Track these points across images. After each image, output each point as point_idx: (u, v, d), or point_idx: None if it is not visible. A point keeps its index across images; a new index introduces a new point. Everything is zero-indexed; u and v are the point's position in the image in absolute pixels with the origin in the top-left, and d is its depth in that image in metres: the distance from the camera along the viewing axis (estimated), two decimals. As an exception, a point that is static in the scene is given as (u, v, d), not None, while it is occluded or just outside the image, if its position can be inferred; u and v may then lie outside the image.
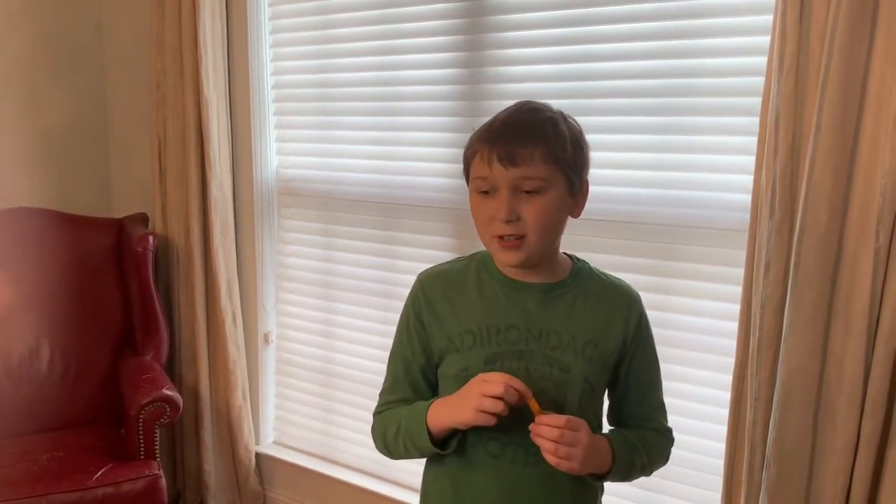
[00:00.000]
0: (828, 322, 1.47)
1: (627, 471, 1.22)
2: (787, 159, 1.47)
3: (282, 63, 2.46)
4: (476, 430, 1.14)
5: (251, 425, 2.60)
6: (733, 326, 1.63)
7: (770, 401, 1.54)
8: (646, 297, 1.82)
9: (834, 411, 1.47)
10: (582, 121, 1.86)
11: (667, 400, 1.83)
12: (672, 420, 1.84)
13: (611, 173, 1.86)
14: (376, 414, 1.31)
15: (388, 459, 2.43)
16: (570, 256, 1.27)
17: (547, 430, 1.09)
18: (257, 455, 2.64)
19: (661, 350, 1.84)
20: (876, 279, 1.40)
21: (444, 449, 1.19)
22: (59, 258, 2.53)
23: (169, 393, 2.21)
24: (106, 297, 2.57)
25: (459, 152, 2.08)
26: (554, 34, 1.90)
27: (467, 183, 1.20)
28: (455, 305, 1.22)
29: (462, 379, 1.17)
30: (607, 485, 1.99)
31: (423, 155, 2.19)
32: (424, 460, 1.32)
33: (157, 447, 2.21)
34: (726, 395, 1.66)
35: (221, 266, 2.48)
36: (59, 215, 2.61)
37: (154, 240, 2.50)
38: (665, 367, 1.83)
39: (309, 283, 2.52)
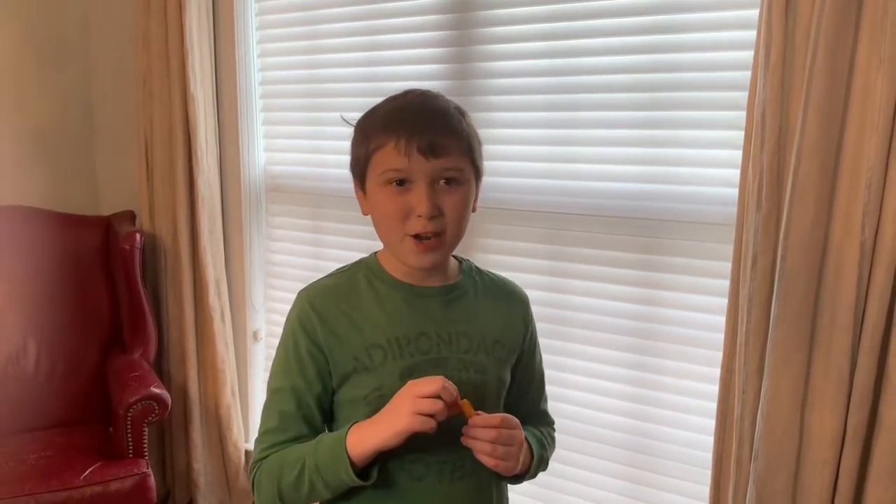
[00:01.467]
0: (815, 315, 1.47)
1: (540, 467, 1.19)
2: (774, 153, 1.47)
3: (269, 59, 2.45)
4: (395, 454, 1.05)
5: (240, 423, 2.59)
6: (721, 320, 1.64)
7: (758, 393, 1.55)
8: (633, 292, 1.86)
9: (821, 404, 1.48)
10: (568, 116, 1.90)
11: (653, 393, 1.87)
12: (660, 413, 1.87)
13: (598, 168, 1.87)
14: (259, 461, 1.13)
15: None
16: (454, 256, 1.20)
17: (482, 431, 1.03)
18: (247, 453, 2.64)
19: (648, 344, 1.86)
20: (862, 272, 1.41)
21: (366, 480, 1.05)
22: (45, 256, 2.51)
23: (157, 391, 2.20)
24: (93, 295, 2.56)
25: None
26: (539, 29, 1.90)
27: (359, 179, 1.12)
28: (354, 321, 1.11)
29: (375, 400, 1.07)
30: (601, 479, 2.01)
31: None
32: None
33: (145, 446, 2.20)
34: (714, 389, 1.67)
35: (209, 263, 2.47)
36: (46, 213, 2.60)
37: (141, 237, 2.49)
38: (653, 361, 1.87)
39: (297, 280, 2.51)
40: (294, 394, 1.11)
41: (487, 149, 2.01)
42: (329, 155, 2.37)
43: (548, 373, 1.99)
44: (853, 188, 1.41)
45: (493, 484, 1.16)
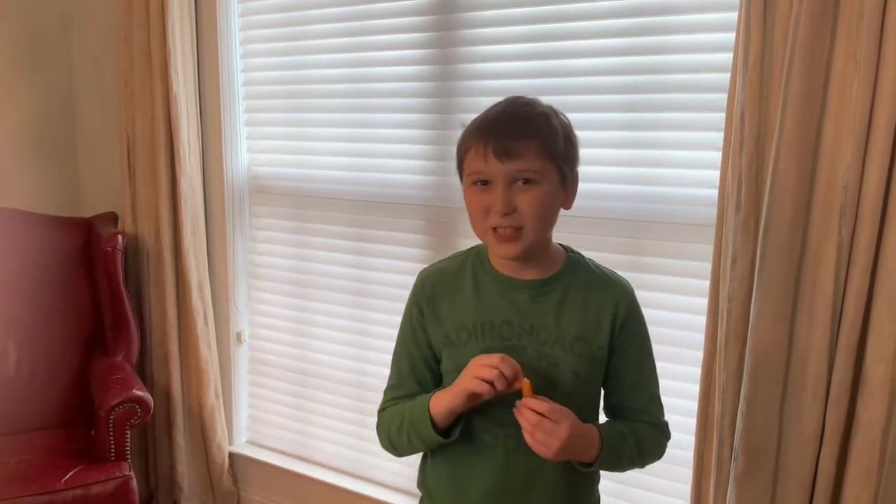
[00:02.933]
0: (793, 315, 1.49)
1: (615, 461, 1.23)
2: (753, 154, 1.49)
3: (252, 60, 2.44)
4: (473, 422, 1.21)
5: (224, 425, 2.59)
6: (701, 320, 1.65)
7: (738, 393, 1.56)
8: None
9: (800, 402, 1.50)
10: None
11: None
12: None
13: (580, 169, 1.86)
14: (381, 411, 1.32)
15: (361, 457, 2.44)
16: (565, 248, 1.29)
17: (529, 414, 1.12)
18: (231, 455, 2.63)
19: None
20: (839, 272, 1.42)
21: (448, 437, 1.21)
22: (27, 258, 2.49)
23: (139, 393, 2.18)
24: (75, 297, 2.54)
25: (431, 149, 2.12)
26: (523, 31, 1.91)
27: (461, 178, 1.22)
28: (452, 302, 1.25)
29: (458, 374, 1.18)
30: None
31: (396, 152, 2.19)
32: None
33: (127, 448, 2.19)
34: (695, 388, 1.68)
35: (192, 265, 2.46)
36: (27, 215, 2.58)
37: (123, 239, 2.47)
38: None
39: (281, 281, 2.51)
40: (408, 357, 1.29)
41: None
42: (313, 156, 2.36)
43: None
44: (830, 189, 1.42)
45: (560, 465, 1.21)
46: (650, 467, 1.84)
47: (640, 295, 1.82)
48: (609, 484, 1.94)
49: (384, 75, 2.17)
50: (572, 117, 1.85)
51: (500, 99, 1.22)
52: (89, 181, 2.89)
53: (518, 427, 1.15)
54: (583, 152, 1.84)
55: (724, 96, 1.56)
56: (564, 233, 1.88)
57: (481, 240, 1.22)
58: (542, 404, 1.12)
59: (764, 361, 1.50)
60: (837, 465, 1.48)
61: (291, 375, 2.54)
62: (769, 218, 1.46)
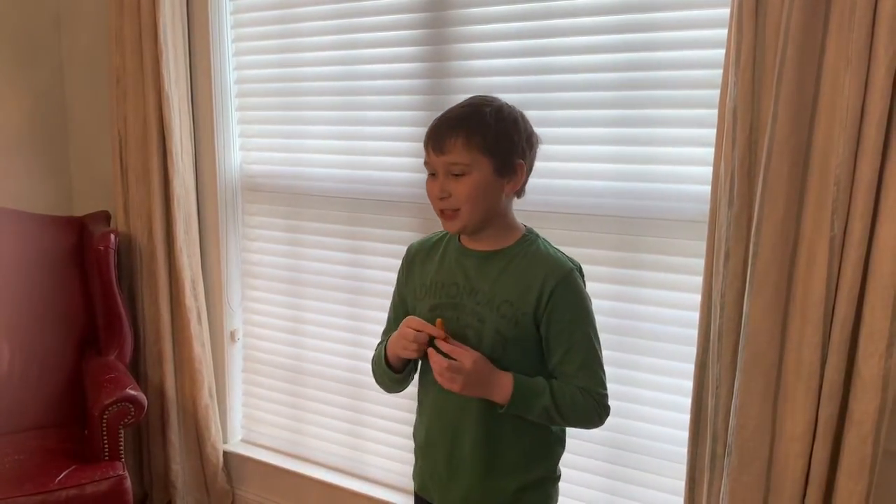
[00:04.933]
0: (786, 310, 1.49)
1: (528, 407, 1.38)
2: (745, 150, 1.49)
3: (244, 58, 2.44)
4: (421, 360, 1.45)
5: (218, 424, 2.58)
6: (694, 316, 1.66)
7: (731, 388, 1.57)
8: (608, 289, 1.86)
9: (793, 398, 1.50)
10: (542, 114, 1.90)
11: (629, 389, 1.88)
12: (636, 409, 1.88)
13: (571, 166, 1.88)
14: (375, 350, 1.58)
15: (356, 454, 2.44)
16: (527, 230, 1.47)
17: (438, 357, 1.35)
18: (225, 453, 2.62)
19: (623, 340, 1.87)
20: (832, 268, 1.43)
21: (400, 373, 1.49)
22: (19, 257, 2.48)
23: (133, 393, 2.18)
24: (68, 296, 2.53)
25: (421, 146, 2.10)
26: (514, 28, 1.91)
27: None
28: (424, 266, 1.51)
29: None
30: (577, 475, 2.02)
31: (388, 149, 2.18)
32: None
33: (121, 448, 2.18)
34: (688, 384, 1.68)
35: (185, 264, 2.45)
36: (19, 214, 2.56)
37: (116, 238, 2.47)
38: (628, 358, 1.87)
39: (275, 279, 2.51)
40: (393, 307, 1.59)
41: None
42: (306, 154, 2.36)
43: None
44: (822, 185, 1.43)
45: (482, 410, 1.41)
46: (643, 463, 1.88)
47: (632, 291, 1.85)
48: (601, 480, 1.96)
49: (376, 73, 2.16)
50: (563, 115, 1.88)
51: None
52: (81, 180, 2.88)
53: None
54: (573, 149, 1.87)
55: (716, 93, 1.56)
56: (555, 230, 1.90)
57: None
58: (446, 344, 1.36)
59: (757, 357, 1.51)
60: (830, 459, 1.49)
61: (286, 374, 2.53)
62: (762, 214, 1.46)
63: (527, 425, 1.43)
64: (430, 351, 1.37)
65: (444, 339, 1.37)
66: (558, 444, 1.51)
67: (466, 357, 1.35)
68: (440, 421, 1.49)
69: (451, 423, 1.46)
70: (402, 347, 1.41)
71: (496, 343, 1.39)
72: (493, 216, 1.40)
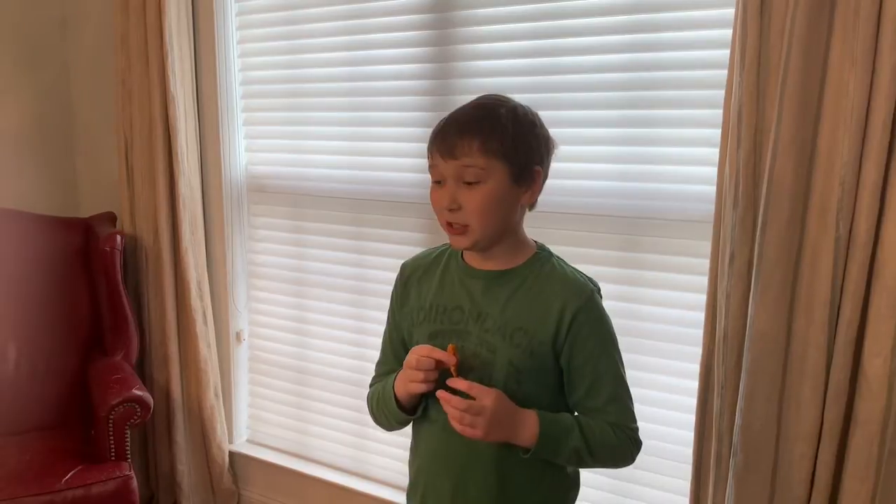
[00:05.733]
0: (791, 311, 1.49)
1: (556, 449, 1.23)
2: (750, 151, 1.49)
3: (250, 59, 2.44)
4: (427, 397, 1.27)
5: (224, 424, 2.59)
6: (700, 316, 1.66)
7: (736, 389, 1.57)
8: (612, 289, 1.86)
9: (798, 398, 1.50)
10: (547, 115, 1.86)
11: (634, 390, 1.85)
12: (640, 409, 1.86)
13: (577, 167, 1.88)
14: (370, 386, 1.43)
15: (361, 455, 2.44)
16: (539, 247, 1.32)
17: (455, 400, 1.17)
18: (231, 454, 2.63)
19: (628, 341, 1.86)
20: (837, 268, 1.43)
21: (412, 414, 1.30)
22: (25, 259, 2.49)
23: (139, 393, 2.19)
24: (74, 297, 2.54)
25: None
26: (520, 28, 1.91)
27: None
28: (421, 287, 1.34)
29: None
30: (582, 475, 2.01)
31: (394, 150, 2.19)
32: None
33: (127, 448, 2.19)
34: (694, 385, 1.68)
35: (191, 265, 2.46)
36: (26, 215, 2.58)
37: (122, 239, 2.47)
38: (633, 358, 1.86)
39: (280, 280, 2.51)
40: (389, 336, 1.41)
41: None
42: (311, 155, 2.36)
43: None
44: (827, 185, 1.43)
45: (495, 456, 1.25)
46: (648, 463, 1.88)
47: (637, 291, 1.85)
48: (606, 480, 1.96)
49: (382, 74, 2.17)
50: (568, 115, 1.88)
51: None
52: (87, 181, 2.89)
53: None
54: (579, 150, 1.87)
55: (720, 93, 1.56)
56: (560, 230, 1.90)
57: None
58: (463, 382, 1.18)
59: (762, 357, 1.50)
60: (836, 459, 1.48)
61: (291, 374, 2.54)
62: (767, 214, 1.46)
63: (544, 470, 1.28)
64: (442, 393, 1.18)
65: (454, 370, 1.20)
66: (574, 489, 1.37)
67: (485, 396, 1.16)
68: (441, 465, 1.31)
69: (455, 469, 1.29)
70: (408, 379, 1.24)
71: (509, 376, 1.23)
72: (506, 231, 1.25)
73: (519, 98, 1.95)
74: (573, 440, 1.23)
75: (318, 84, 2.30)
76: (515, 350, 1.23)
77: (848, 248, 1.41)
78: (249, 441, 2.69)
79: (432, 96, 2.09)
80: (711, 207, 1.60)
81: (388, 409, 1.32)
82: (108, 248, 2.43)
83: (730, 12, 1.53)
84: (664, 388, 1.85)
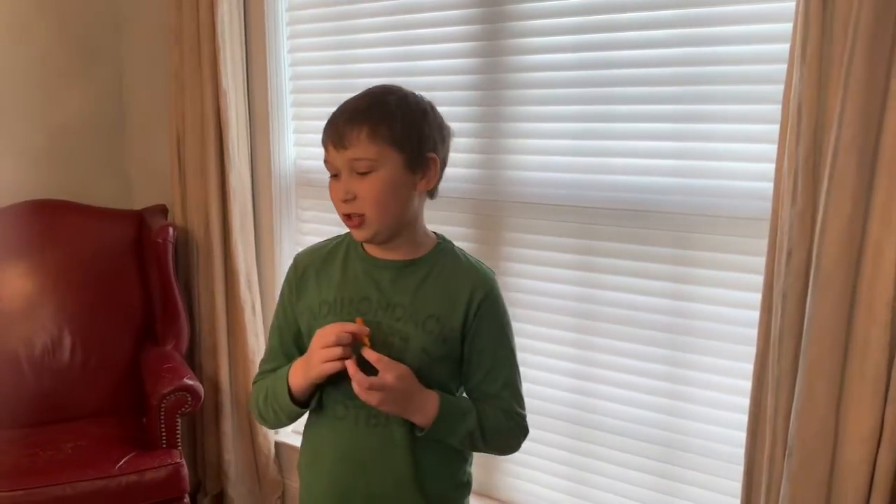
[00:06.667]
0: (851, 311, 1.45)
1: (451, 431, 1.27)
2: (810, 147, 1.45)
3: (299, 54, 2.46)
4: (328, 393, 1.28)
5: (270, 415, 2.61)
6: (754, 315, 1.62)
7: (792, 390, 1.53)
8: (665, 287, 1.84)
9: (858, 400, 1.46)
10: (601, 110, 1.88)
11: (685, 389, 1.85)
12: (691, 409, 1.86)
13: (630, 162, 1.86)
14: (253, 384, 1.41)
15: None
16: (438, 236, 1.36)
17: (361, 375, 1.18)
18: (276, 444, 2.66)
19: (678, 339, 1.85)
20: (901, 267, 1.39)
21: (304, 407, 1.30)
22: (80, 250, 2.56)
23: (190, 382, 2.23)
24: (126, 288, 2.60)
25: (477, 142, 2.11)
26: (572, 23, 1.89)
27: None
28: (320, 279, 1.33)
29: None
30: (631, 474, 2.00)
31: (442, 145, 2.18)
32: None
33: (178, 436, 2.23)
34: (746, 385, 1.65)
35: (240, 257, 2.49)
36: (80, 207, 2.64)
37: (174, 231, 2.52)
38: (683, 356, 1.85)
39: (327, 273, 2.53)
40: (279, 332, 1.38)
41: (517, 143, 2.01)
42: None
43: (576, 368, 2.01)
44: (891, 183, 1.38)
45: (407, 440, 1.28)
46: (699, 464, 1.86)
47: (689, 289, 1.82)
48: (655, 480, 1.94)
49: (430, 69, 2.17)
50: (621, 109, 1.85)
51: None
52: (140, 174, 2.95)
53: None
54: (633, 145, 1.85)
55: (778, 88, 1.52)
56: (610, 226, 1.88)
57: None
58: (373, 354, 1.19)
59: (820, 358, 1.47)
60: (896, 464, 1.45)
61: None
62: (827, 212, 1.43)
63: (453, 448, 1.32)
64: (349, 363, 1.19)
65: (368, 340, 1.21)
66: (470, 464, 1.41)
67: (390, 371, 1.19)
68: (352, 463, 1.30)
69: (368, 463, 1.29)
70: (320, 360, 1.20)
71: (422, 363, 1.26)
72: (406, 220, 1.27)
73: (571, 92, 1.96)
74: (469, 424, 1.28)
75: (366, 79, 2.27)
76: (428, 337, 1.26)
77: (912, 247, 1.38)
78: (295, 432, 2.72)
79: (483, 91, 2.08)
80: (767, 205, 1.56)
81: (278, 402, 1.30)
82: (160, 240, 2.48)
83: (789, 5, 1.49)
84: (715, 387, 1.82)
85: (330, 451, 1.32)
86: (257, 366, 2.48)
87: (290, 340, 1.36)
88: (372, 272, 1.30)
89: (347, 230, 1.33)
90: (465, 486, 1.40)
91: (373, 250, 1.31)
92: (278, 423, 1.36)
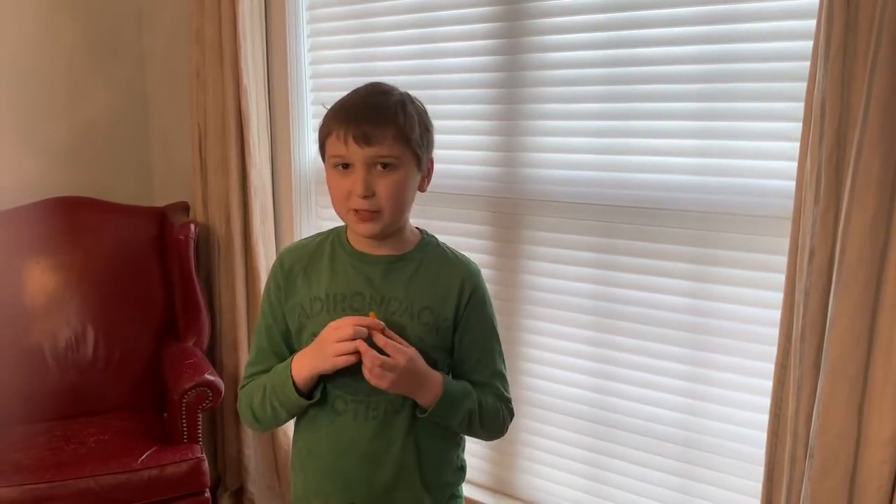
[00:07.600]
0: (875, 311, 1.44)
1: (453, 411, 1.30)
2: (833, 145, 1.44)
3: (320, 52, 2.47)
4: (327, 389, 1.30)
5: (290, 411, 2.63)
6: (775, 315, 1.61)
7: (814, 390, 1.52)
8: (686, 286, 1.83)
9: (880, 402, 1.45)
10: (622, 107, 1.88)
11: (705, 388, 1.84)
12: (712, 408, 1.85)
13: (652, 160, 1.85)
14: (241, 388, 1.40)
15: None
16: (420, 231, 1.40)
17: (373, 353, 1.20)
18: (296, 440, 2.68)
19: (699, 338, 1.84)
20: (925, 267, 1.37)
21: (309, 399, 1.29)
22: (103, 246, 2.58)
23: (211, 378, 2.25)
24: (148, 284, 2.62)
25: (496, 140, 2.11)
26: (592, 20, 1.88)
27: (323, 159, 1.31)
28: (308, 276, 1.33)
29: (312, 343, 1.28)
30: (651, 474, 1.99)
31: (461, 143, 2.18)
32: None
33: (199, 431, 2.25)
34: (767, 384, 1.64)
35: (261, 254, 2.51)
36: (102, 204, 2.67)
37: (195, 228, 2.54)
38: (705, 356, 1.84)
39: (346, 270, 2.54)
40: (267, 332, 1.37)
41: (537, 141, 2.01)
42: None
43: (596, 367, 2.00)
44: (917, 181, 1.37)
45: (402, 433, 1.30)
46: (720, 464, 1.85)
47: (710, 288, 1.81)
48: (675, 479, 1.93)
49: (450, 66, 2.17)
50: (643, 107, 1.85)
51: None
52: (162, 171, 2.97)
53: (367, 392, 1.26)
54: (654, 143, 1.84)
55: (800, 85, 1.51)
56: (631, 224, 1.87)
57: (342, 220, 1.31)
58: (381, 338, 1.21)
59: (843, 359, 1.45)
60: (920, 466, 1.43)
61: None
62: (850, 211, 1.41)
63: (449, 431, 1.36)
64: (361, 344, 1.20)
65: (382, 332, 1.23)
66: (463, 447, 1.44)
67: (401, 353, 1.22)
68: (355, 456, 1.32)
69: (371, 454, 1.31)
70: (334, 353, 1.21)
71: (420, 354, 1.28)
72: (405, 218, 1.33)
73: (591, 91, 1.95)
74: (469, 404, 1.32)
75: (387, 77, 2.30)
76: (423, 328, 1.29)
77: (938, 247, 1.36)
78: (313, 428, 2.74)
79: (504, 89, 2.07)
80: (789, 203, 1.55)
81: (279, 398, 1.30)
82: (181, 237, 2.50)
83: (812, 2, 1.48)
84: (736, 387, 1.81)
85: (330, 446, 1.33)
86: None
87: (279, 340, 1.36)
88: (362, 268, 1.32)
89: (332, 227, 1.39)
90: (460, 471, 1.45)
91: (362, 246, 1.33)
92: (275, 422, 1.37)
